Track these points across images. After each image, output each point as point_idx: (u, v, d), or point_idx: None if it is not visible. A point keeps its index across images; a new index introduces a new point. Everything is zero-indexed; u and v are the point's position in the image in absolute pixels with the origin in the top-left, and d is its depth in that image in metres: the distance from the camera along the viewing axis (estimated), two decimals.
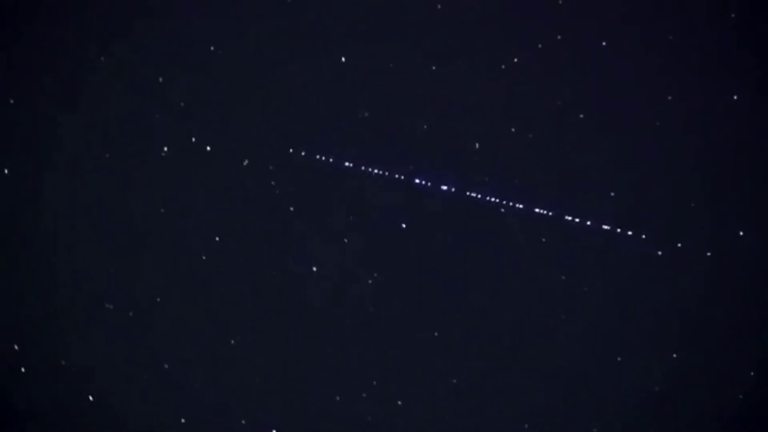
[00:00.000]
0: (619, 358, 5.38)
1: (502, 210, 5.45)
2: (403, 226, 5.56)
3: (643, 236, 5.30)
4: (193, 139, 5.59)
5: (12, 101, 5.60)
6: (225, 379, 5.68)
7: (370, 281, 5.59)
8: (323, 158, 5.55)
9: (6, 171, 5.63)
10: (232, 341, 5.67)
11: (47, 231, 5.67)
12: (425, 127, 5.51)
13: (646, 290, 5.33)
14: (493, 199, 5.46)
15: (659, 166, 5.28)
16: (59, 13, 5.56)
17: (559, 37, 5.32)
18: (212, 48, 5.54)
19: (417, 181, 5.52)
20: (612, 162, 5.32)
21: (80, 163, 5.64)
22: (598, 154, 5.34)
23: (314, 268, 5.62)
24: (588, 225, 5.37)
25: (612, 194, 5.36)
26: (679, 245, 5.27)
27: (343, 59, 5.46)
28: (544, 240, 5.43)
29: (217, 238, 5.66)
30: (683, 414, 5.34)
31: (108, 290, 5.69)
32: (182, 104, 5.60)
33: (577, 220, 5.39)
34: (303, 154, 5.56)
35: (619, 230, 5.34)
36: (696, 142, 5.21)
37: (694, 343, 5.30)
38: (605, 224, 5.36)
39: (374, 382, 5.58)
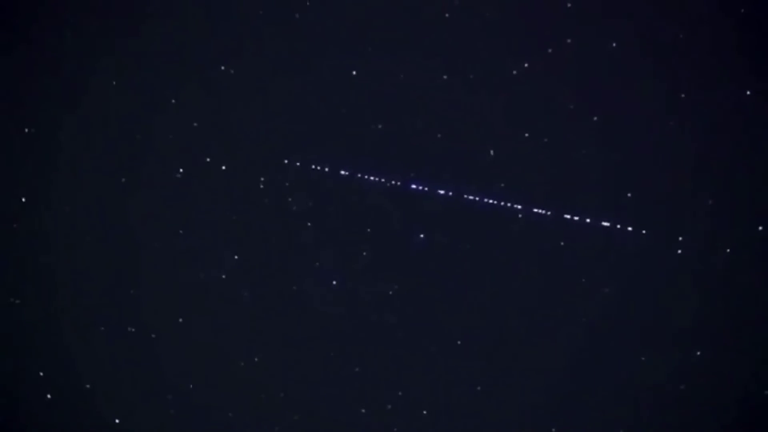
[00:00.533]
0: (643, 358, 5.37)
1: (520, 216, 5.44)
2: (422, 236, 5.57)
3: (667, 237, 5.30)
4: (208, 159, 5.61)
5: (28, 130, 5.64)
6: (250, 396, 5.69)
7: (390, 292, 5.60)
8: (341, 172, 5.56)
9: (23, 200, 5.67)
10: (256, 359, 5.68)
11: (66, 257, 5.70)
12: (439, 135, 5.51)
13: (670, 290, 5.32)
14: (510, 205, 5.46)
15: (680, 164, 5.27)
16: (74, 37, 5.60)
17: (568, 40, 5.32)
18: (223, 68, 5.57)
19: (436, 190, 5.53)
20: (631, 163, 5.32)
21: (95, 189, 5.67)
22: (615, 155, 5.34)
23: (334, 282, 5.63)
24: (608, 227, 5.37)
25: (629, 195, 5.35)
26: (701, 243, 5.26)
27: (354, 72, 5.48)
28: (562, 243, 5.43)
29: (236, 257, 5.67)
30: (708, 412, 5.33)
31: (130, 314, 5.71)
32: (195, 124, 5.62)
33: (599, 223, 5.38)
34: (320, 169, 5.57)
35: (640, 231, 5.34)
36: (714, 139, 5.21)
37: (718, 341, 5.29)
38: (626, 226, 5.35)
39: (399, 393, 5.58)
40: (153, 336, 5.69)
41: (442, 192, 5.53)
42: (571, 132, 5.39)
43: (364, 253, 5.62)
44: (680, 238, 5.27)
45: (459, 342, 5.54)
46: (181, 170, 5.63)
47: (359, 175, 5.56)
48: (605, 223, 5.37)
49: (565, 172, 5.42)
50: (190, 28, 5.54)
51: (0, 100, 5.66)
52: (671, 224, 5.30)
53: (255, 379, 5.67)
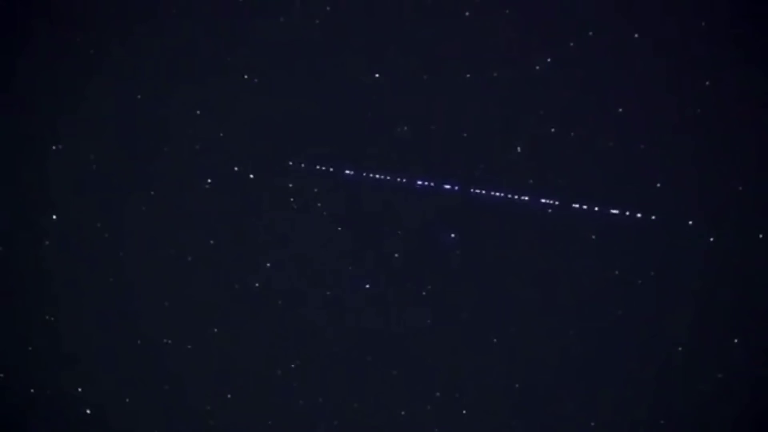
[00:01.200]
0: (679, 348, 5.36)
1: (550, 210, 5.44)
2: (453, 235, 5.57)
3: (694, 225, 5.30)
4: (236, 168, 5.62)
5: (56, 147, 5.67)
6: (289, 402, 5.70)
7: (424, 293, 5.60)
8: (369, 175, 5.57)
9: (54, 217, 5.69)
10: (293, 365, 5.69)
11: (98, 273, 5.72)
12: (465, 135, 5.51)
13: (702, 279, 5.31)
14: (541, 201, 5.46)
15: (708, 154, 5.26)
16: (99, 53, 5.63)
17: (590, 33, 5.32)
18: (246, 76, 5.58)
19: (464, 189, 5.53)
20: (659, 153, 5.31)
21: (125, 205, 5.69)
22: (641, 146, 5.33)
23: (367, 285, 5.63)
24: (638, 218, 5.36)
25: (658, 185, 5.34)
26: (733, 232, 5.26)
27: (377, 75, 5.49)
28: (594, 237, 5.42)
29: (269, 264, 5.68)
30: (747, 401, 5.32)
31: (165, 326, 5.72)
32: (221, 134, 5.63)
33: (627, 214, 5.38)
34: (348, 173, 5.58)
35: (669, 222, 5.33)
36: (742, 129, 5.20)
37: (754, 329, 5.28)
38: (655, 216, 5.35)
39: (437, 394, 5.58)
40: (189, 347, 5.71)
41: (470, 191, 5.53)
42: (597, 125, 5.39)
43: (396, 255, 5.63)
44: (712, 228, 5.27)
45: (495, 340, 5.54)
46: (209, 180, 5.64)
47: (387, 178, 5.57)
48: (638, 215, 5.37)
49: (596, 165, 5.41)
50: (213, 38, 5.56)
51: (28, 119, 5.69)
52: (702, 214, 5.29)
53: (293, 386, 5.68)
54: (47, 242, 5.70)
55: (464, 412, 5.60)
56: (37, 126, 5.66)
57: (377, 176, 5.58)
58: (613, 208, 5.38)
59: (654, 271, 5.38)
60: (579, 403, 5.48)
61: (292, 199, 5.61)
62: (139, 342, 5.74)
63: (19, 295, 5.74)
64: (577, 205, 5.42)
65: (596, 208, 5.39)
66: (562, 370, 5.47)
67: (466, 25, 5.44)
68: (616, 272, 5.42)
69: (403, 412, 5.62)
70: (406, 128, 5.53)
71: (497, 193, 5.50)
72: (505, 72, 5.43)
